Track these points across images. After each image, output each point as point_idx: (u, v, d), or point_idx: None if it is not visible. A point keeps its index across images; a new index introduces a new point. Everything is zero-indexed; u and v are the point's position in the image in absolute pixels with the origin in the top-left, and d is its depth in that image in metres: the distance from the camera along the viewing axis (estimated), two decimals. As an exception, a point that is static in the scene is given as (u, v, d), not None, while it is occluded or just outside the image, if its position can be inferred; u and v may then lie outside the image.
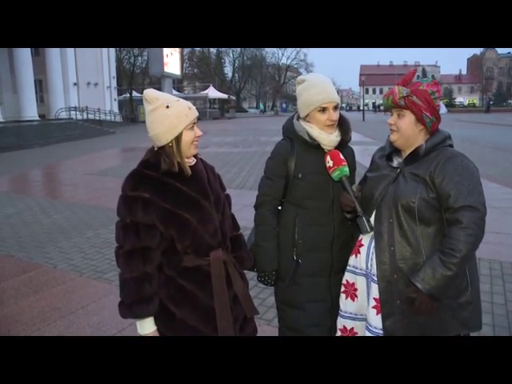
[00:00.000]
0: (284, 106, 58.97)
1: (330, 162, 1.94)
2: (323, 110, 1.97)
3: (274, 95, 69.82)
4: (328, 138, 2.00)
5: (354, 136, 21.22)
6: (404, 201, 1.71)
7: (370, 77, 79.70)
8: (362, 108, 46.59)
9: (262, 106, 62.18)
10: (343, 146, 2.07)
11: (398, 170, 1.82)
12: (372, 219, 1.84)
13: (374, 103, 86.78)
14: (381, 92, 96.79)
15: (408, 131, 1.78)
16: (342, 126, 2.08)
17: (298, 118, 2.10)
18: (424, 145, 1.78)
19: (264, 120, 38.13)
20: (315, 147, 2.01)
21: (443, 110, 64.06)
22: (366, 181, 1.95)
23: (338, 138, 2.03)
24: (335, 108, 1.99)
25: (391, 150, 1.89)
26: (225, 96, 44.93)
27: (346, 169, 1.93)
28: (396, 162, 1.86)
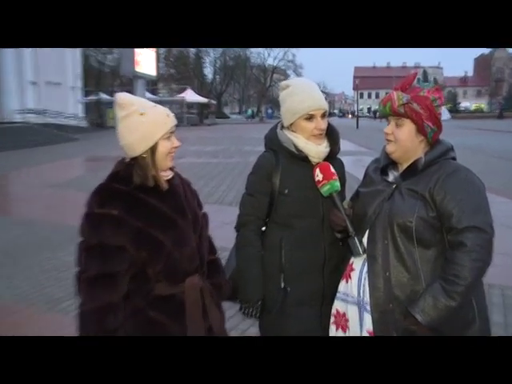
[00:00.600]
0: (270, 111, 59.30)
1: (319, 176, 1.94)
2: (310, 118, 1.99)
3: (258, 99, 70.58)
4: (316, 149, 2.01)
5: (346, 145, 21.75)
6: (400, 220, 1.71)
7: (364, 79, 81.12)
8: (356, 114, 47.34)
9: (249, 112, 62.41)
10: (332, 157, 2.09)
11: (394, 186, 1.82)
12: (365, 240, 1.83)
13: (369, 109, 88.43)
14: (377, 96, 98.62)
15: (407, 142, 1.78)
16: (331, 135, 2.10)
17: (282, 127, 2.12)
18: (423, 158, 1.79)
19: (248, 127, 38.36)
20: (302, 160, 2.02)
21: (446, 115, 65.21)
22: (358, 197, 1.96)
23: (327, 149, 2.05)
24: (323, 116, 2.01)
25: (386, 163, 1.90)
26: (204, 100, 45.21)
27: (337, 183, 1.94)
28: (392, 176, 1.87)
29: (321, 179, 1.93)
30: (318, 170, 1.95)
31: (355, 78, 72.61)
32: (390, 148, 1.82)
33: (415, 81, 1.86)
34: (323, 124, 2.01)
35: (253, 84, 73.69)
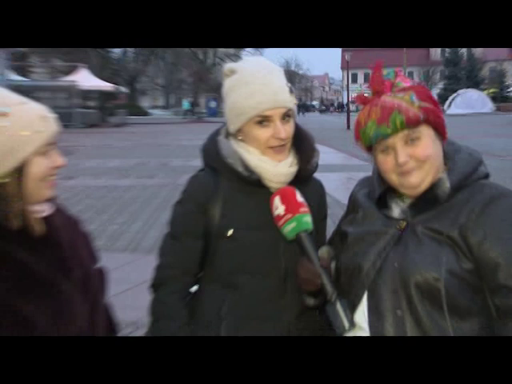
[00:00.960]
0: (213, 105, 59.18)
1: (279, 209, 1.97)
2: (263, 121, 2.05)
3: (195, 87, 70.58)
4: (274, 170, 2.06)
5: (331, 156, 22.13)
6: (420, 277, 1.76)
7: (358, 54, 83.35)
8: (346, 106, 48.63)
9: (186, 104, 62.40)
10: (304, 180, 2.14)
11: (403, 224, 1.89)
12: (362, 309, 1.86)
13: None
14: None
15: (438, 155, 1.89)
16: (301, 147, 2.16)
17: (228, 134, 2.17)
18: (446, 179, 1.87)
19: (178, 129, 38.49)
20: (255, 184, 2.08)
21: (487, 107, 67.27)
22: (345, 240, 2.01)
23: (293, 169, 2.11)
24: (285, 117, 2.07)
25: (383, 189, 1.97)
26: (108, 87, 44.97)
27: (308, 219, 1.97)
28: (397, 209, 1.94)
29: (282, 213, 1.96)
30: (277, 200, 1.99)
31: (344, 51, 74.52)
32: (415, 180, 1.87)
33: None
34: (284, 130, 2.06)
35: (186, 62, 73.92)
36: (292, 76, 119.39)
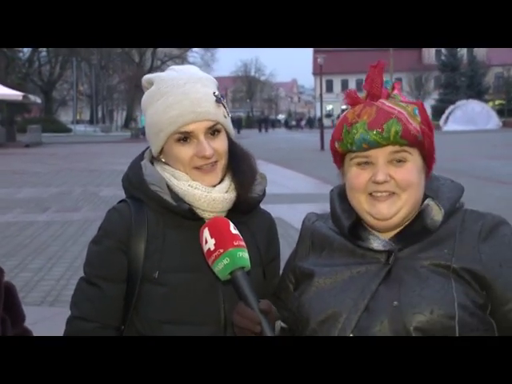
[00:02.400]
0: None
1: (208, 243, 1.98)
2: (184, 138, 2.09)
3: (129, 96, 70.00)
4: (208, 197, 2.09)
5: (302, 183, 22.23)
6: (430, 315, 1.82)
7: (334, 56, 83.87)
8: (318, 122, 48.84)
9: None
10: (246, 210, 2.18)
11: (390, 257, 1.93)
12: None
13: (344, 110, 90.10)
14: (358, 87, 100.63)
15: (421, 187, 1.95)
16: (238, 168, 2.18)
17: (153, 157, 2.21)
18: (436, 205, 1.94)
19: (109, 150, 38.17)
20: (185, 216, 2.11)
21: (493, 122, 66.94)
22: (306, 281, 2.03)
23: (231, 195, 2.14)
24: (214, 133, 2.11)
25: (354, 220, 2.00)
26: (16, 96, 44.52)
27: (243, 254, 1.98)
28: (378, 240, 1.97)
29: (212, 248, 1.97)
30: (206, 233, 1.99)
31: (316, 53, 75.06)
32: (387, 210, 1.92)
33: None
34: (209, 147, 2.08)
35: (118, 66, 73.60)
36: (252, 83, 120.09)
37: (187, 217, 2.10)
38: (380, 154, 1.88)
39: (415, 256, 1.91)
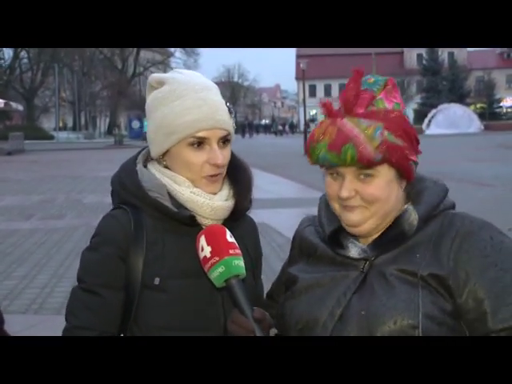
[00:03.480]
0: (136, 125, 58.36)
1: (205, 250, 1.99)
2: (199, 143, 2.09)
3: (112, 102, 69.65)
4: (211, 204, 2.10)
5: (286, 188, 22.22)
6: (394, 325, 1.81)
7: (316, 61, 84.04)
8: (302, 126, 48.97)
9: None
10: (237, 217, 2.19)
11: (365, 264, 1.94)
12: None
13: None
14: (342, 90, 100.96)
15: (389, 199, 1.93)
16: (237, 178, 2.21)
17: (147, 160, 2.20)
18: (412, 212, 1.93)
19: (92, 157, 38.08)
20: (185, 222, 2.10)
21: (474, 126, 67.26)
22: (292, 286, 2.03)
23: (230, 203, 2.15)
24: (225, 142, 2.12)
25: (335, 226, 2.00)
26: (-1, 103, 44.39)
27: (239, 262, 1.98)
28: (355, 248, 1.97)
29: (208, 256, 1.98)
30: (202, 240, 2.00)
31: (299, 58, 75.22)
32: (356, 218, 1.93)
33: (362, 82, 1.96)
34: (222, 156, 2.09)
35: (100, 72, 73.43)
36: (235, 89, 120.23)
37: (187, 223, 2.09)
38: (347, 171, 1.89)
39: (388, 263, 1.90)
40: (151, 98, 2.17)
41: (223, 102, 2.14)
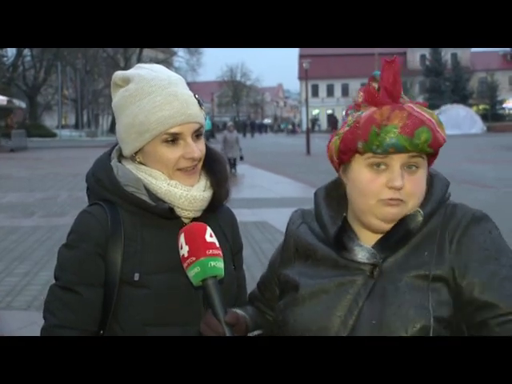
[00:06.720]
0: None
1: (183, 249, 2.00)
2: (173, 139, 2.10)
3: (116, 99, 69.62)
4: (189, 195, 2.11)
5: (289, 188, 22.16)
6: (405, 334, 1.80)
7: (319, 61, 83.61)
8: (305, 127, 48.89)
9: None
10: (216, 208, 2.21)
11: (374, 270, 1.90)
12: None
13: (330, 116, 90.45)
14: (344, 92, 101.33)
15: (423, 195, 1.94)
16: (213, 168, 2.22)
17: (121, 156, 2.22)
18: (418, 210, 1.91)
19: (94, 154, 37.74)
20: (164, 215, 2.11)
21: (477, 127, 67.17)
22: (292, 293, 2.00)
23: (208, 194, 2.17)
24: (197, 135, 2.13)
25: (340, 226, 1.95)
26: (1, 100, 44.25)
27: (216, 263, 1.97)
28: (362, 251, 1.93)
29: (186, 255, 1.98)
30: (181, 238, 2.01)
31: (302, 57, 75.02)
32: (396, 211, 1.89)
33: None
34: (197, 149, 2.11)
35: (103, 70, 73.39)
36: (238, 88, 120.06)
37: (165, 216, 2.10)
38: (398, 158, 1.86)
39: (398, 268, 1.89)
40: (118, 97, 2.18)
41: (192, 94, 2.15)
